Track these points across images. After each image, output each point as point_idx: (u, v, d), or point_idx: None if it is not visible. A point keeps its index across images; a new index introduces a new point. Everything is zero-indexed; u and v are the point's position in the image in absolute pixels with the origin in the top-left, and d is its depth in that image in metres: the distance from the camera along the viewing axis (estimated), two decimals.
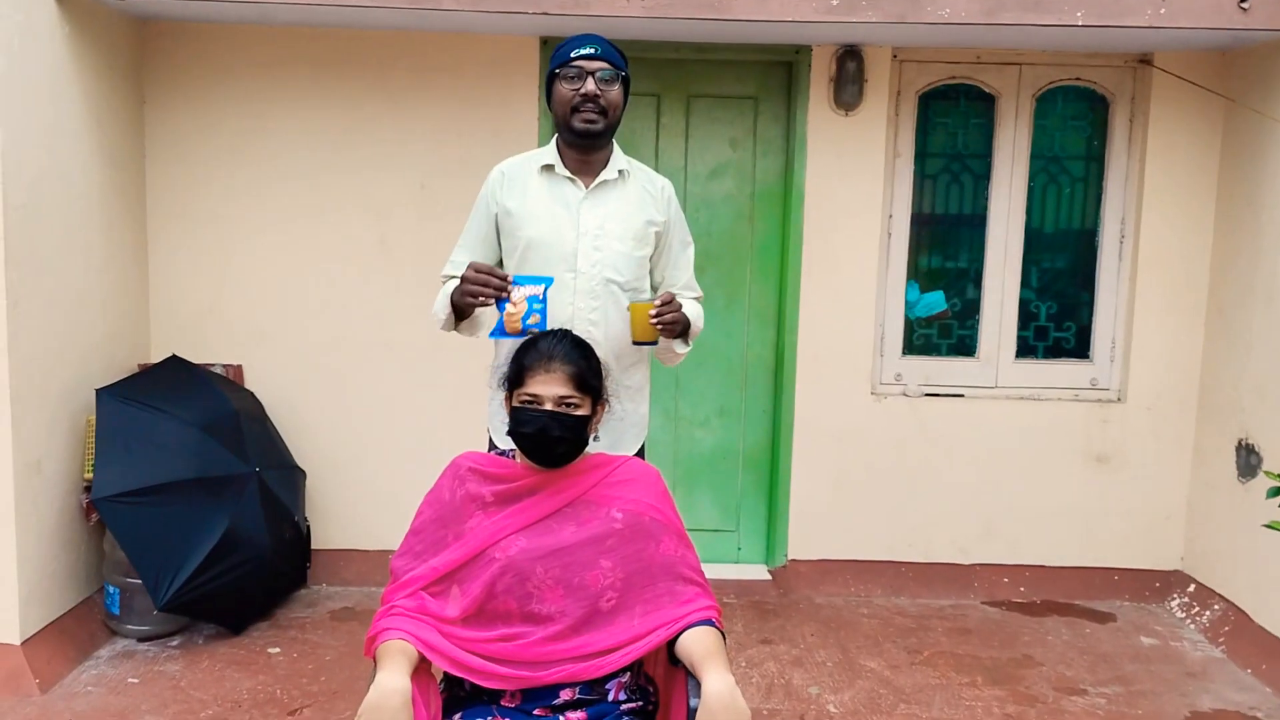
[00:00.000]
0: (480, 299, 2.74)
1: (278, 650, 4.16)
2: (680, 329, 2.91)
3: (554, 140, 3.00)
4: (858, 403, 4.86)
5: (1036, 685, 4.04)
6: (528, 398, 2.32)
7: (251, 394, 4.65)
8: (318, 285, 4.75)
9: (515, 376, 2.36)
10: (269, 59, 4.64)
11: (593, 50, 2.85)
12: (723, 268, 4.93)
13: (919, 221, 4.94)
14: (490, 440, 3.11)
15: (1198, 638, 4.55)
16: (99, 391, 4.08)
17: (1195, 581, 4.81)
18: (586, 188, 2.95)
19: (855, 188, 4.76)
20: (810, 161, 4.75)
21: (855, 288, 4.82)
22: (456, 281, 2.89)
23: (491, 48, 4.65)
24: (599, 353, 2.58)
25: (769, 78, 4.87)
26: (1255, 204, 4.44)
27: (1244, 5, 4.00)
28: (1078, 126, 4.95)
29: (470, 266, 2.77)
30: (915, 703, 3.88)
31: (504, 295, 2.71)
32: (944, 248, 5.01)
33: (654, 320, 2.79)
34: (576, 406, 2.33)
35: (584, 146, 2.92)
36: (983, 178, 4.92)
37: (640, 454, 3.14)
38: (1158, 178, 4.78)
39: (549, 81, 2.93)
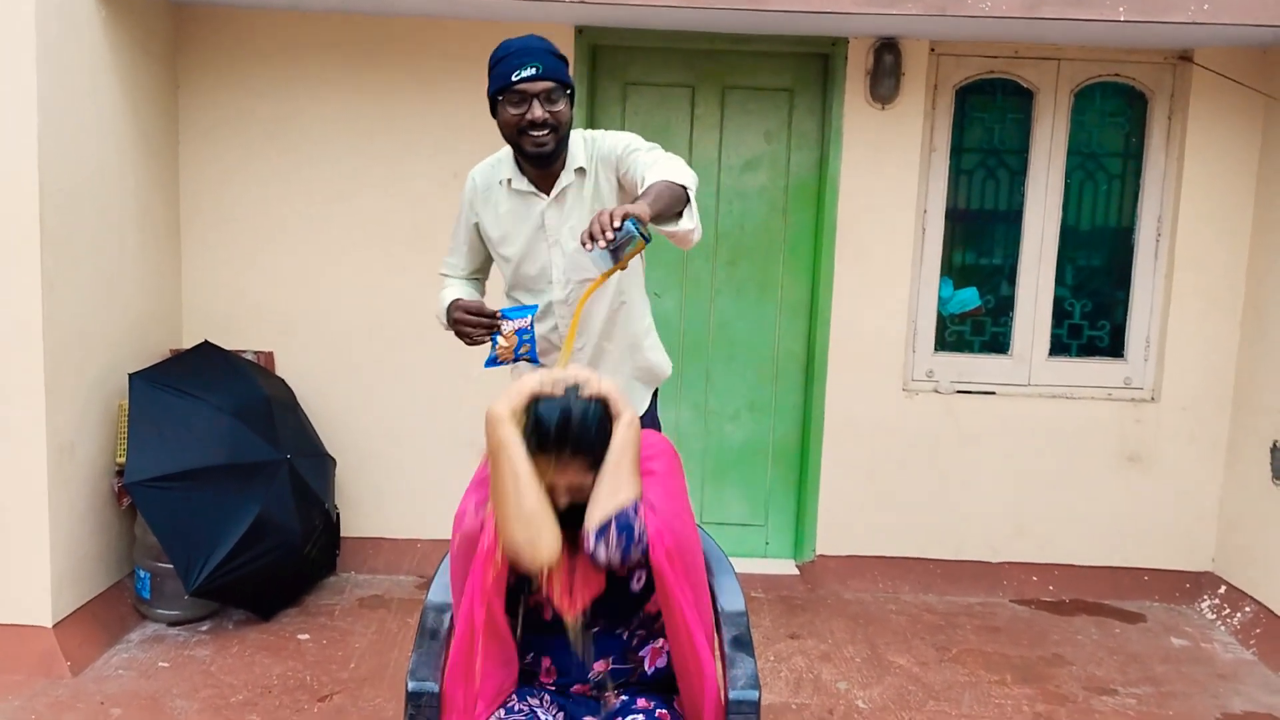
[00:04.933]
0: (474, 338, 2.85)
1: (307, 637, 4.17)
2: (651, 213, 2.44)
3: (512, 152, 2.94)
4: (889, 399, 4.84)
5: (1066, 684, 4.02)
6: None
7: (282, 381, 4.65)
8: (350, 273, 4.75)
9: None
10: (302, 45, 4.64)
11: (534, 70, 2.73)
12: (755, 261, 4.90)
13: (953, 217, 4.90)
14: None
15: (1228, 639, 4.52)
16: (132, 376, 4.09)
17: (1226, 583, 4.77)
18: (549, 195, 2.92)
19: (890, 182, 4.73)
20: (845, 155, 4.71)
21: (888, 283, 4.79)
22: (453, 290, 3.05)
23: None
24: (606, 364, 2.92)
25: (805, 70, 4.83)
26: None
27: None
28: (1116, 123, 4.90)
29: (458, 307, 2.87)
30: (944, 700, 3.86)
31: (495, 330, 2.82)
32: (978, 244, 4.97)
33: (639, 223, 2.35)
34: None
35: (539, 162, 2.86)
36: (1019, 174, 4.87)
37: (655, 397, 3.20)
38: (1196, 175, 4.73)
39: (492, 102, 2.83)
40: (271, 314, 4.76)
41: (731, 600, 2.40)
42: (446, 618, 2.32)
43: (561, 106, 2.79)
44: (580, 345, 3.01)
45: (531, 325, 2.83)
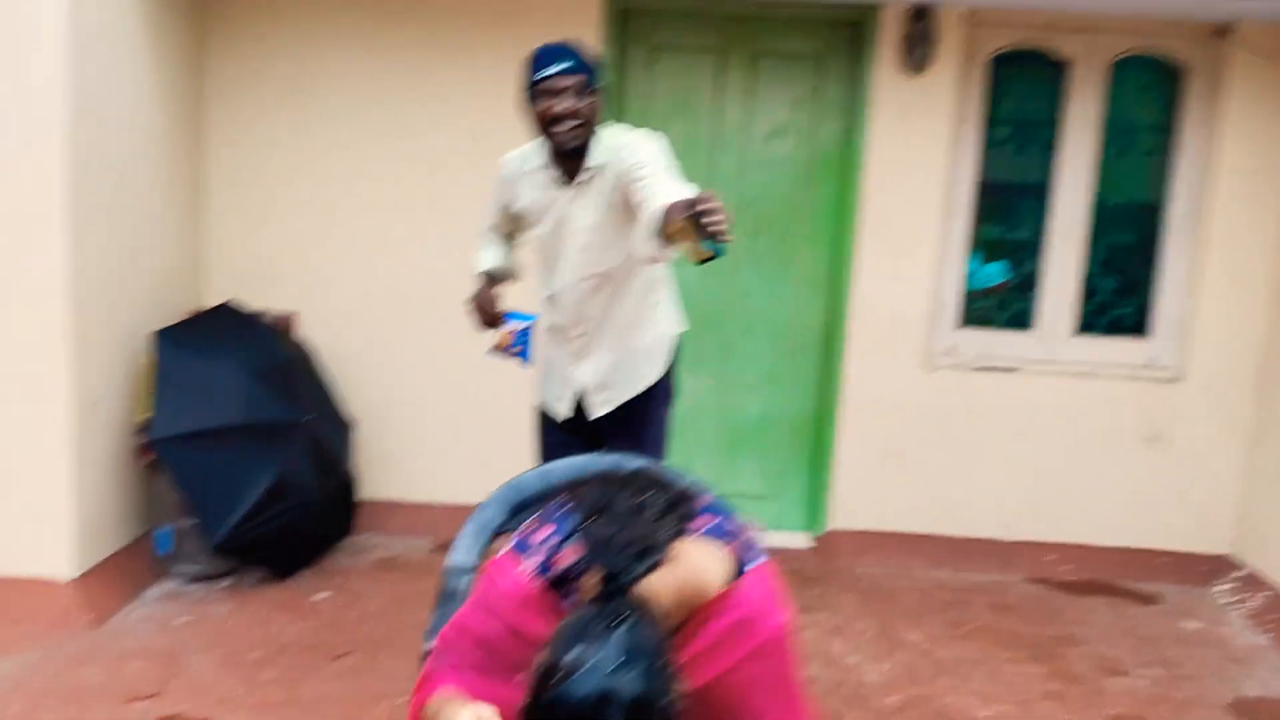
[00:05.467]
0: (479, 325, 3.30)
1: (324, 596, 4.21)
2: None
3: (544, 141, 3.11)
4: (909, 374, 4.80)
5: (1078, 664, 4.02)
6: None
7: (303, 343, 4.67)
8: (370, 236, 4.75)
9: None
10: (329, 6, 4.60)
11: (558, 68, 2.95)
12: (777, 231, 4.86)
13: (982, 190, 4.83)
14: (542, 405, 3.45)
15: (1244, 624, 4.50)
16: (157, 334, 4.11)
17: (1244, 567, 4.75)
18: (567, 190, 3.13)
19: (919, 153, 4.66)
20: (874, 124, 4.65)
21: (913, 256, 4.74)
22: (489, 255, 3.41)
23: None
24: (608, 341, 3.18)
25: (835, 37, 4.75)
26: None
27: None
28: (1151, 97, 4.80)
29: (479, 296, 3.30)
30: (955, 675, 3.87)
31: (496, 325, 3.28)
32: (1006, 218, 4.91)
33: (716, 232, 2.28)
34: None
35: (568, 156, 3.08)
36: (1050, 147, 4.79)
37: (676, 360, 3.35)
38: (1232, 153, 4.63)
39: (525, 98, 3.05)
40: (293, 275, 4.76)
41: None
42: (465, 580, 2.33)
43: (587, 102, 2.99)
44: (581, 332, 3.25)
45: (528, 331, 3.26)
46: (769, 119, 4.80)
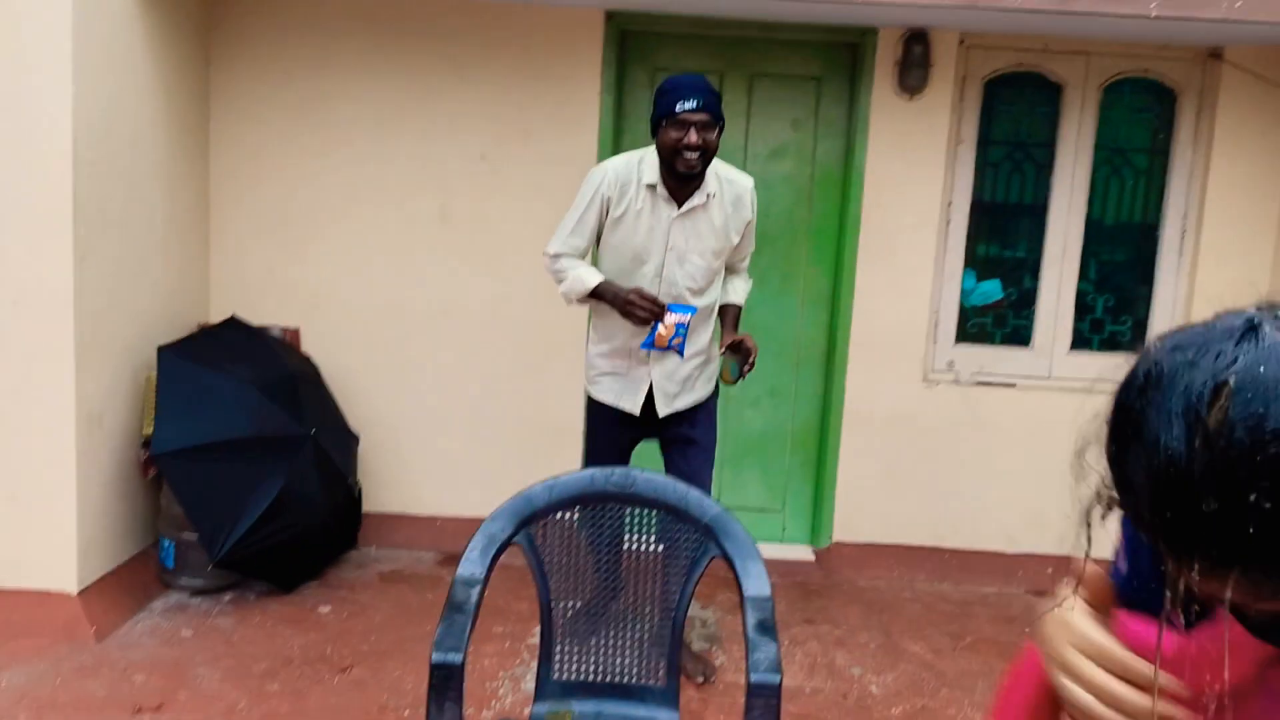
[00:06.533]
0: (639, 317, 3.36)
1: (328, 609, 4.22)
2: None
3: (653, 156, 3.44)
4: (909, 388, 4.85)
5: None
6: None
7: (308, 357, 4.70)
8: (376, 251, 4.79)
9: None
10: (335, 23, 4.66)
11: (695, 104, 3.27)
12: (779, 249, 4.92)
13: (979, 209, 4.90)
14: (588, 396, 3.76)
15: None
16: (161, 349, 4.13)
17: None
18: (679, 207, 3.45)
19: (916, 173, 4.73)
20: (872, 145, 4.72)
21: (911, 273, 4.80)
22: (590, 270, 3.48)
23: (557, 20, 4.65)
24: (698, 357, 3.62)
25: (833, 59, 4.84)
26: None
27: None
28: (1144, 119, 4.89)
29: (637, 293, 3.36)
30: (958, 688, 3.88)
31: (659, 318, 3.37)
32: (1003, 236, 4.98)
33: (743, 375, 3.51)
34: None
35: (683, 178, 3.40)
36: (1045, 167, 4.87)
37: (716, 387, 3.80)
38: (1223, 173, 4.72)
39: (655, 122, 3.35)
40: (298, 291, 4.80)
41: (758, 585, 2.42)
42: (474, 592, 2.35)
43: (712, 136, 3.34)
44: (695, 352, 3.61)
45: (688, 323, 3.42)
46: (769, 139, 4.87)
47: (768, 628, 2.35)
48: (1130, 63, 4.75)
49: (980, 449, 4.88)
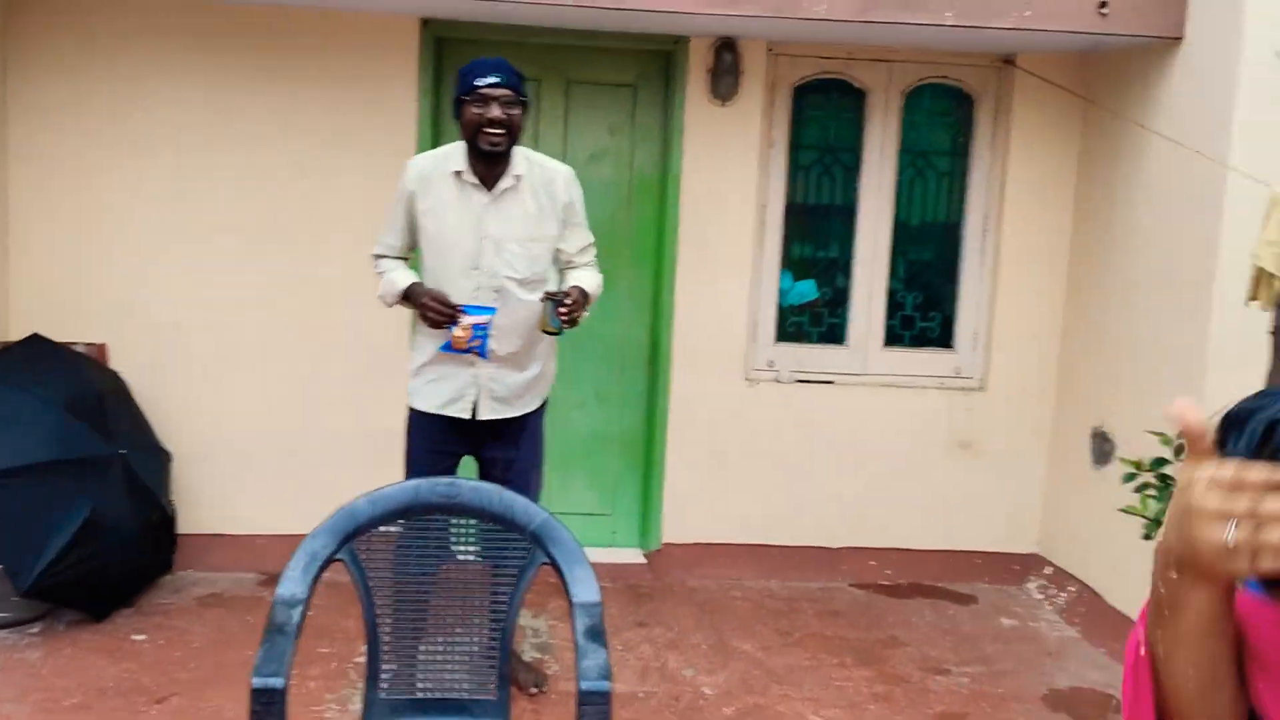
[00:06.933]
0: (431, 320, 3.31)
1: (144, 637, 4.01)
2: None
3: (462, 147, 3.39)
4: (732, 388, 4.92)
5: (903, 665, 4.15)
6: None
7: (115, 374, 4.48)
8: (187, 263, 4.60)
9: None
10: (141, 31, 4.49)
11: (497, 80, 3.27)
12: (601, 252, 4.84)
13: (793, 211, 5.01)
14: (409, 409, 3.60)
15: (1054, 618, 4.74)
16: None
17: (1052, 564, 5.01)
18: (489, 191, 3.38)
19: (731, 177, 4.82)
20: (687, 150, 4.78)
21: (730, 275, 4.88)
22: (403, 274, 3.48)
23: (372, 28, 4.59)
24: (507, 340, 3.38)
25: (648, 66, 4.88)
26: (1110, 202, 4.65)
27: (1103, 10, 4.17)
28: (945, 123, 5.10)
29: (429, 294, 3.33)
30: (787, 684, 3.94)
31: (454, 320, 3.30)
32: (816, 237, 5.11)
33: (563, 319, 3.31)
34: None
35: (489, 160, 3.34)
36: (853, 170, 5.02)
37: (545, 402, 3.71)
38: (1019, 174, 4.96)
39: (456, 103, 3.33)
40: (104, 305, 4.57)
41: (586, 591, 2.39)
42: (296, 612, 2.24)
43: (515, 113, 3.31)
44: (512, 349, 3.47)
45: (488, 325, 3.34)
46: (587, 145, 4.87)
47: (597, 633, 2.33)
48: (930, 69, 4.94)
49: (802, 445, 4.99)
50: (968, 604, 4.85)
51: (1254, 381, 3.65)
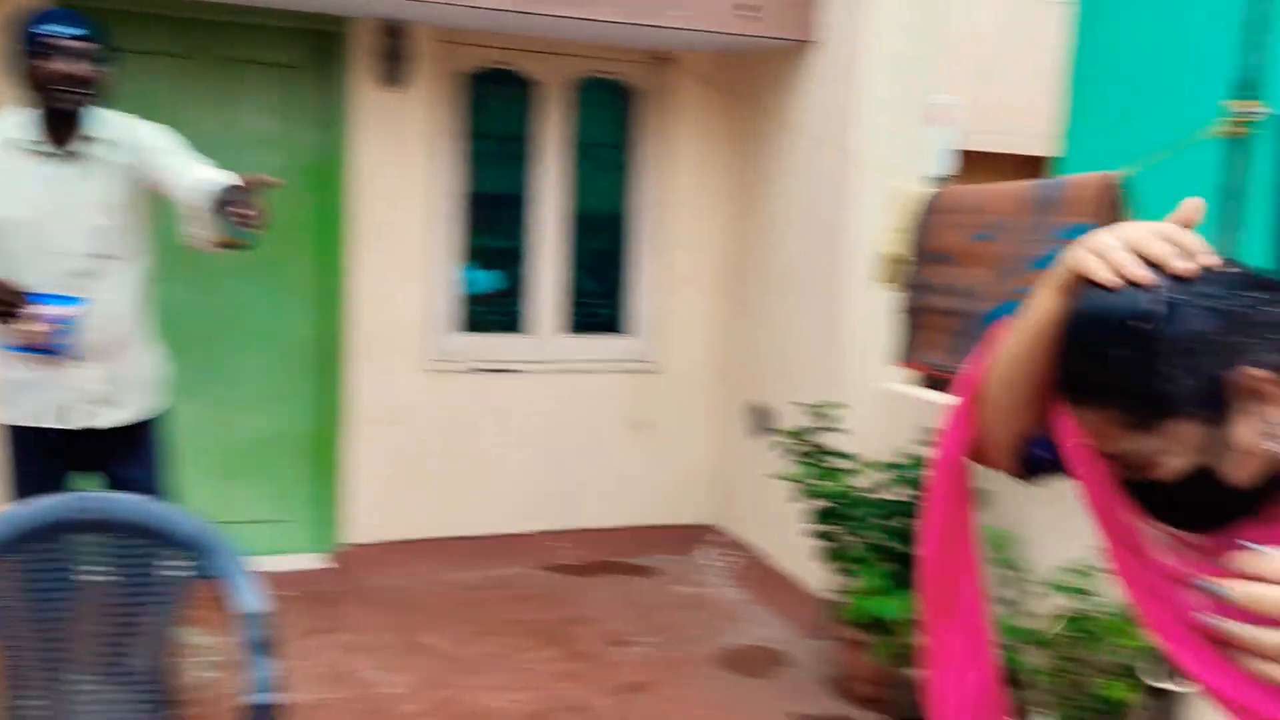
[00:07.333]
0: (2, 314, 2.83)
1: None
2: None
3: (23, 112, 2.93)
4: (414, 381, 4.85)
5: (588, 642, 4.27)
6: None
7: None
8: None
9: None
10: None
11: (68, 29, 2.85)
12: (269, 243, 4.60)
13: (470, 201, 5.00)
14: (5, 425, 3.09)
15: (728, 584, 5.01)
16: None
17: (723, 534, 5.30)
18: (60, 159, 2.94)
19: (405, 166, 4.73)
20: (357, 137, 4.65)
21: (406, 265, 4.79)
22: None
23: None
24: (97, 330, 2.91)
25: (314, 48, 4.68)
26: (764, 194, 4.96)
27: (753, 14, 4.42)
28: (612, 116, 5.24)
29: None
30: (474, 673, 3.95)
31: (18, 312, 2.81)
32: (494, 227, 5.12)
33: (242, 221, 2.72)
34: None
35: (64, 123, 2.92)
36: (528, 161, 5.06)
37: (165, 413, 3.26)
38: (683, 168, 5.19)
39: (21, 58, 2.86)
40: None
41: (247, 601, 2.29)
42: None
43: (97, 69, 2.90)
44: (103, 339, 3.00)
45: (74, 319, 2.86)
46: (247, 129, 4.62)
47: (262, 645, 2.24)
48: (595, 64, 5.06)
49: (488, 435, 5.01)
50: (649, 576, 5.05)
51: (882, 357, 4.03)
